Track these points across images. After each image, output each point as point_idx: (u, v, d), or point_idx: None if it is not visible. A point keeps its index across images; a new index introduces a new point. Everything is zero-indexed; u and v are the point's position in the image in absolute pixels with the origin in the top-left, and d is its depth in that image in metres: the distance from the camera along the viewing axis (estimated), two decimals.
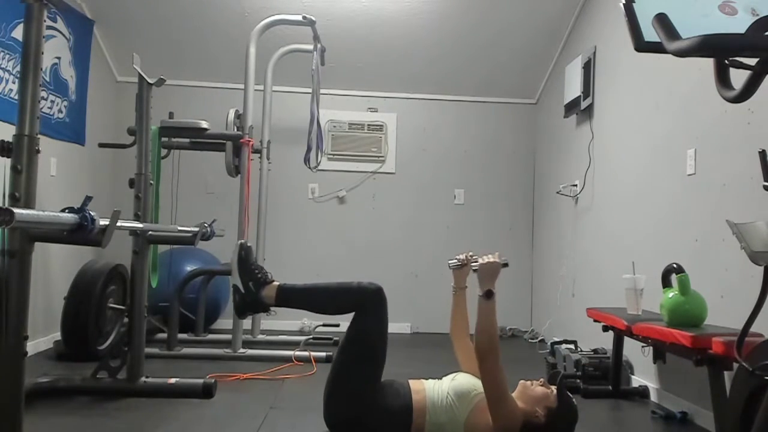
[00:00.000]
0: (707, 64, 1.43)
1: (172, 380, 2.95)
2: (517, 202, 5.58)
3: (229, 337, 4.02)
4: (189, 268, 4.37)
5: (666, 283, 2.73)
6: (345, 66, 5.11)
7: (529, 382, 2.27)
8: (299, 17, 4.12)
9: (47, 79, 3.99)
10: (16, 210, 1.59)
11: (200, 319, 4.38)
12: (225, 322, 4.64)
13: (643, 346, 2.95)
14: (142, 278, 3.01)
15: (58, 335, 3.84)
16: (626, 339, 3.10)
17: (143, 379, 2.96)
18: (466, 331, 2.56)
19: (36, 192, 1.90)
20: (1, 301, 1.83)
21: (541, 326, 5.10)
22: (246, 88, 4.07)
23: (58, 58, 4.15)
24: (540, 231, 5.42)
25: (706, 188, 2.87)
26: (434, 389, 2.27)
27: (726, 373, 2.30)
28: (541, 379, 2.28)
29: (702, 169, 2.92)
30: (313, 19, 4.12)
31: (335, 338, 3.71)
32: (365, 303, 2.30)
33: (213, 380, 2.96)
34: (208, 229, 3.55)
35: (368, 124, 5.47)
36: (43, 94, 3.83)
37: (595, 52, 4.21)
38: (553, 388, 2.22)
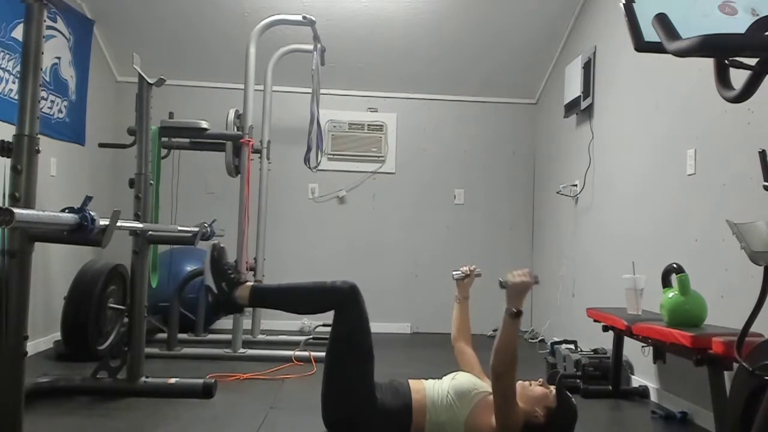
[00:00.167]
0: (707, 64, 1.43)
1: (172, 380, 2.95)
2: (517, 202, 5.58)
3: (229, 337, 4.02)
4: (189, 268, 4.37)
5: (666, 283, 2.73)
6: (345, 66, 5.11)
7: (528, 383, 2.26)
8: (299, 17, 4.12)
9: (47, 79, 3.99)
10: (16, 210, 1.59)
11: (200, 319, 4.38)
12: (225, 322, 4.64)
13: (643, 346, 2.95)
14: (142, 278, 3.01)
15: (58, 335, 3.84)
16: (626, 339, 3.10)
17: (143, 379, 2.96)
18: (468, 338, 2.60)
19: (36, 192, 1.90)
20: (1, 301, 1.83)
21: (541, 326, 5.09)
22: (246, 88, 4.07)
23: (58, 58, 4.15)
24: (540, 231, 5.42)
25: (706, 188, 2.87)
26: (434, 389, 2.27)
27: (726, 373, 2.31)
28: (540, 379, 2.28)
29: (702, 169, 2.92)
30: (313, 19, 4.12)
31: None
32: (341, 303, 2.29)
33: (213, 380, 2.96)
34: (208, 229, 3.55)
35: (368, 124, 5.47)
36: (43, 94, 3.83)
37: (595, 52, 4.21)
38: (552, 387, 2.21)
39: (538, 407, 2.16)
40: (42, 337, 3.98)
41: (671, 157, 3.17)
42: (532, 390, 2.21)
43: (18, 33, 3.50)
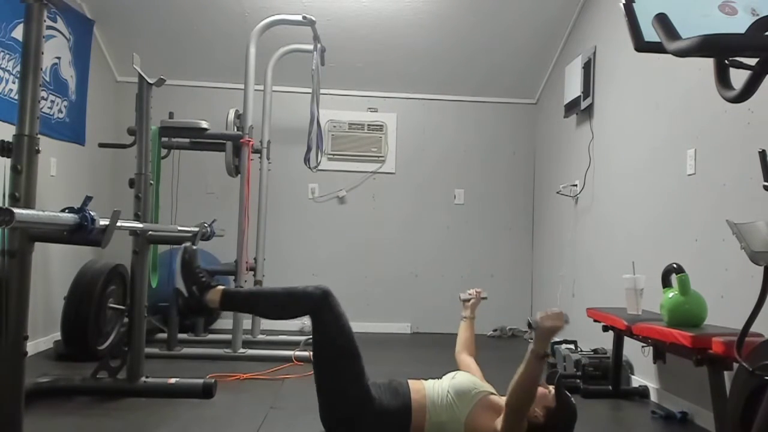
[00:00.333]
0: (707, 64, 1.43)
1: (172, 380, 2.95)
2: (517, 202, 5.58)
3: (229, 337, 4.02)
4: None
5: (666, 283, 2.73)
6: (345, 66, 5.11)
7: None
8: (299, 17, 4.12)
9: (47, 79, 3.99)
10: (16, 210, 1.59)
11: (200, 319, 4.38)
12: (225, 322, 4.64)
13: (643, 346, 2.95)
14: (142, 278, 3.01)
15: (58, 335, 3.84)
16: (626, 339, 3.11)
17: (143, 379, 2.96)
18: (472, 353, 2.59)
19: (36, 192, 1.90)
20: (1, 301, 1.83)
21: None
22: (246, 88, 4.07)
23: (58, 58, 4.15)
24: (540, 231, 5.42)
25: (706, 188, 2.87)
26: (434, 388, 2.27)
27: (726, 373, 2.31)
28: None
29: (702, 169, 2.92)
30: (313, 19, 4.12)
31: None
32: (315, 309, 2.27)
33: (213, 380, 2.96)
34: (208, 229, 3.55)
35: (368, 124, 5.47)
36: (43, 94, 3.82)
37: (595, 52, 4.21)
38: (551, 387, 2.21)
39: (538, 407, 2.15)
40: (42, 337, 3.98)
41: (671, 156, 3.18)
42: None
43: (18, 33, 3.50)
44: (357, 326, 5.70)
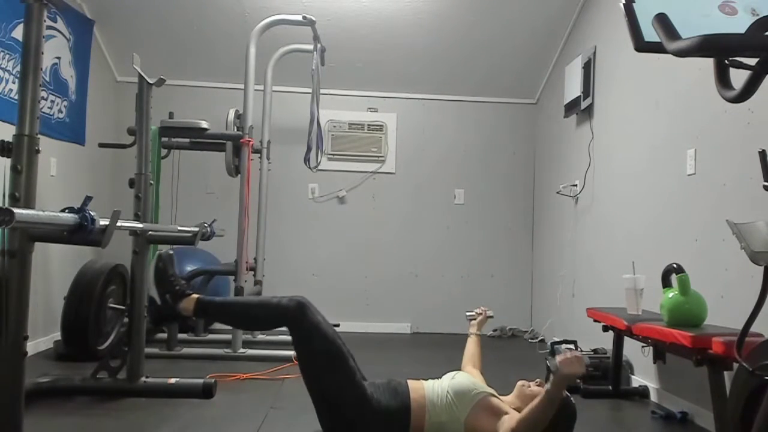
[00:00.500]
0: (707, 64, 1.43)
1: (172, 380, 2.95)
2: (517, 202, 5.58)
3: (229, 337, 4.01)
4: (189, 268, 4.37)
5: (666, 283, 2.73)
6: (345, 66, 5.11)
7: (526, 383, 2.26)
8: (299, 17, 4.12)
9: (47, 79, 3.99)
10: (16, 210, 1.59)
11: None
12: None
13: (643, 346, 2.95)
14: (142, 278, 3.01)
15: (58, 335, 3.84)
16: (626, 339, 3.10)
17: (143, 379, 2.96)
18: (478, 366, 2.58)
19: (36, 192, 1.90)
20: (1, 301, 1.83)
21: (541, 326, 5.10)
22: (246, 88, 4.07)
23: (58, 58, 4.15)
24: (540, 231, 5.42)
25: (706, 188, 2.87)
26: (433, 389, 2.26)
27: (726, 373, 2.31)
28: (538, 380, 2.27)
29: (702, 169, 2.92)
30: (313, 19, 4.12)
31: None
32: (290, 322, 2.25)
33: (213, 380, 2.95)
34: (208, 229, 3.55)
35: (368, 124, 5.47)
36: (43, 94, 3.83)
37: (595, 52, 4.21)
38: None
39: None
40: (42, 337, 3.98)
41: (671, 156, 3.18)
42: (531, 390, 2.21)
43: (18, 33, 3.50)
44: (357, 326, 5.73)
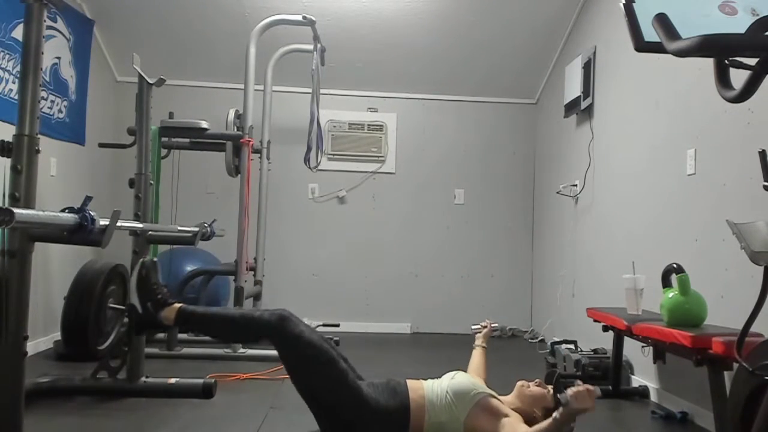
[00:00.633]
0: (707, 63, 1.43)
1: (172, 380, 2.95)
2: (516, 202, 5.58)
3: None
4: (189, 268, 4.37)
5: (666, 283, 2.73)
6: (345, 66, 5.11)
7: (526, 383, 2.26)
8: (299, 17, 4.12)
9: (47, 79, 3.99)
10: (16, 210, 1.59)
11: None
12: None
13: (643, 346, 2.95)
14: None
15: (58, 335, 3.84)
16: (626, 339, 3.10)
17: (143, 379, 2.96)
18: (482, 377, 2.56)
19: (36, 192, 1.90)
20: (1, 301, 1.83)
21: (541, 326, 5.10)
22: (246, 88, 4.07)
23: (58, 58, 4.15)
24: (540, 231, 5.42)
25: (706, 188, 2.87)
26: (433, 389, 2.26)
27: (726, 373, 2.31)
28: (538, 380, 2.27)
29: (702, 169, 2.92)
30: (313, 19, 4.12)
31: (335, 338, 3.70)
32: (273, 335, 2.24)
33: (213, 380, 2.95)
34: (208, 229, 3.55)
35: (368, 124, 5.47)
36: (43, 94, 3.83)
37: (595, 52, 4.21)
38: (550, 388, 2.21)
39: (537, 408, 2.16)
40: (42, 337, 3.98)
41: (671, 156, 3.18)
42: (531, 390, 2.21)
43: (18, 33, 3.50)
44: (357, 326, 5.73)
